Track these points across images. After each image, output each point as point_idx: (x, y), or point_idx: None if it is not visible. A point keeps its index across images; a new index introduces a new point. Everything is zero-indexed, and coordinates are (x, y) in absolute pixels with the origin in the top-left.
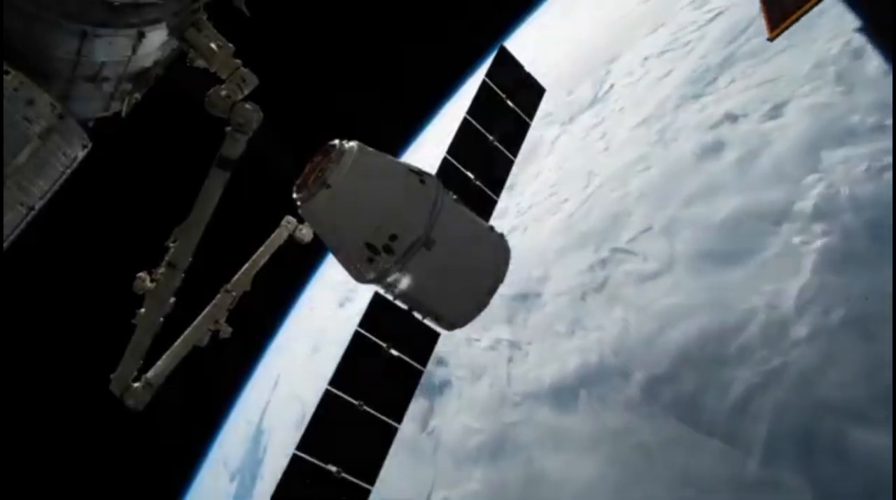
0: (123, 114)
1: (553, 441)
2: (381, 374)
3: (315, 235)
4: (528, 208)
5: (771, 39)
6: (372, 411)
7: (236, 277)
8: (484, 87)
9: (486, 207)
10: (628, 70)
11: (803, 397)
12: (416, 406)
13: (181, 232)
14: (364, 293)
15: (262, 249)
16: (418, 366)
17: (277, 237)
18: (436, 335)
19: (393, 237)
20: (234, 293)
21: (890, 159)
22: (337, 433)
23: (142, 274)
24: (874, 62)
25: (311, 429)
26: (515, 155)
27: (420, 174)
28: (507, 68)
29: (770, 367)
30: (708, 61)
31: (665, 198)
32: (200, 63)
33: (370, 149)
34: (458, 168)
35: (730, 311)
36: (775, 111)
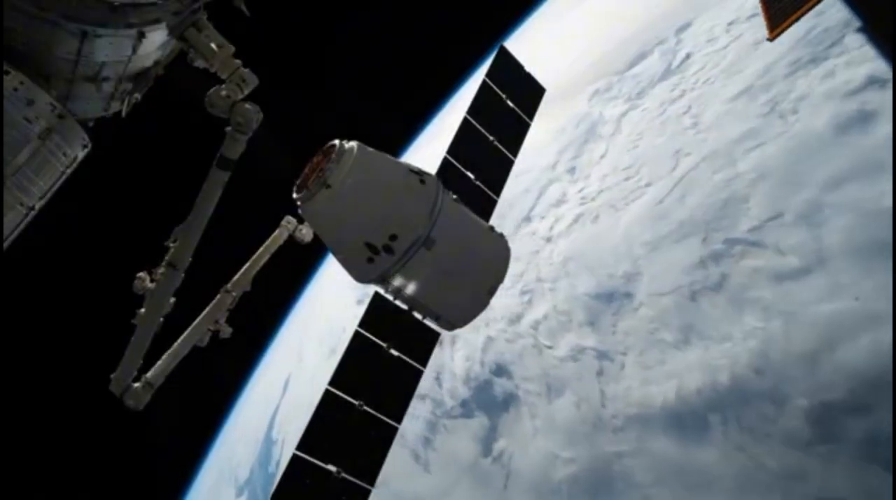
0: (123, 114)
1: (680, 481)
2: (381, 374)
3: (315, 235)
4: (596, 194)
5: (771, 39)
6: (372, 412)
7: (236, 277)
8: (484, 87)
9: (486, 207)
10: (708, 37)
11: None
12: (473, 424)
13: (181, 232)
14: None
15: (262, 249)
16: (418, 366)
17: (277, 237)
18: (436, 335)
19: (393, 237)
20: (234, 293)
21: None
22: (337, 433)
23: (142, 274)
24: None
25: (311, 429)
26: (515, 155)
27: (420, 174)
28: (507, 68)
29: None
30: (825, 20)
31: (796, 180)
32: (200, 63)
33: (370, 149)
34: (458, 168)
35: None
36: None
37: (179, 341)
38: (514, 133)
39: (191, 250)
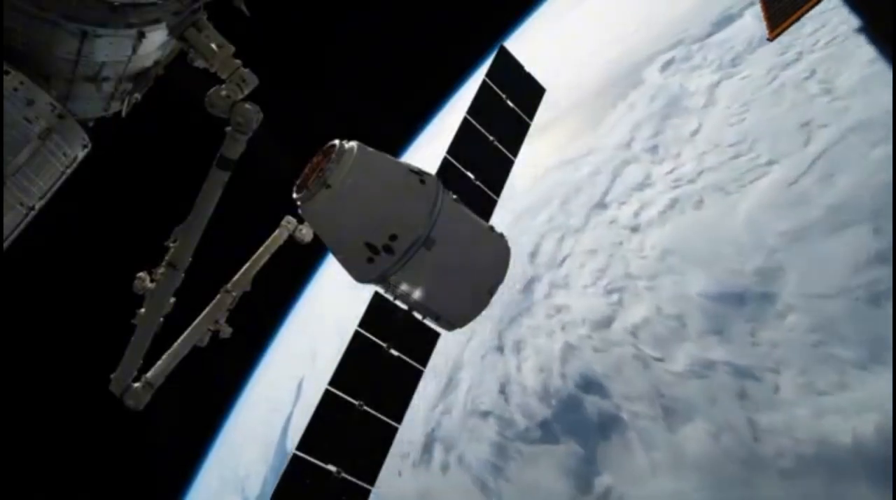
0: (123, 114)
1: None
2: (381, 374)
3: (315, 235)
4: (695, 176)
5: (771, 39)
6: (372, 412)
7: (236, 277)
8: (484, 87)
9: (486, 207)
10: None
11: None
12: (559, 452)
13: (181, 232)
14: None
15: (262, 249)
16: (418, 366)
17: (277, 237)
18: (436, 335)
19: (393, 237)
20: (234, 293)
21: None
22: (337, 433)
23: (142, 274)
24: None
25: (311, 429)
26: (515, 155)
27: (420, 174)
28: (507, 68)
29: None
30: None
31: None
32: (200, 63)
33: (370, 149)
34: (458, 168)
35: None
36: None
37: (179, 341)
38: (514, 133)
39: (191, 250)
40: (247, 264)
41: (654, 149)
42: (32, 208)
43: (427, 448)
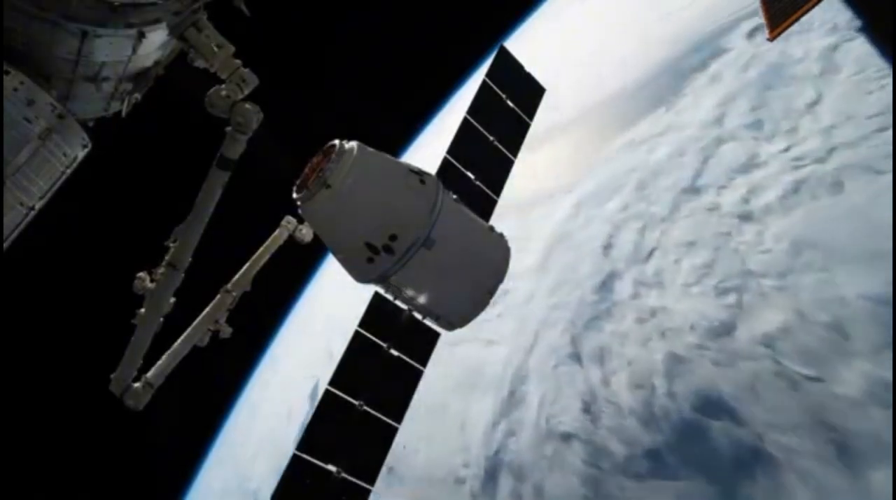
0: (123, 114)
1: None
2: (381, 374)
3: (315, 235)
4: (825, 153)
5: (771, 39)
6: (372, 412)
7: (236, 277)
8: (484, 87)
9: (486, 207)
10: None
11: None
12: (679, 489)
13: (181, 232)
14: None
15: (262, 249)
16: (418, 366)
17: (277, 237)
18: (436, 335)
19: (393, 237)
20: (234, 293)
21: None
22: (337, 433)
23: (142, 274)
24: None
25: (311, 429)
26: (515, 155)
27: (420, 174)
28: (507, 68)
29: None
30: None
31: None
32: (200, 63)
33: (370, 149)
34: (458, 168)
35: None
36: None
37: (179, 341)
38: (514, 133)
39: (191, 250)
40: (247, 264)
41: (756, 124)
42: (32, 208)
43: (491, 475)
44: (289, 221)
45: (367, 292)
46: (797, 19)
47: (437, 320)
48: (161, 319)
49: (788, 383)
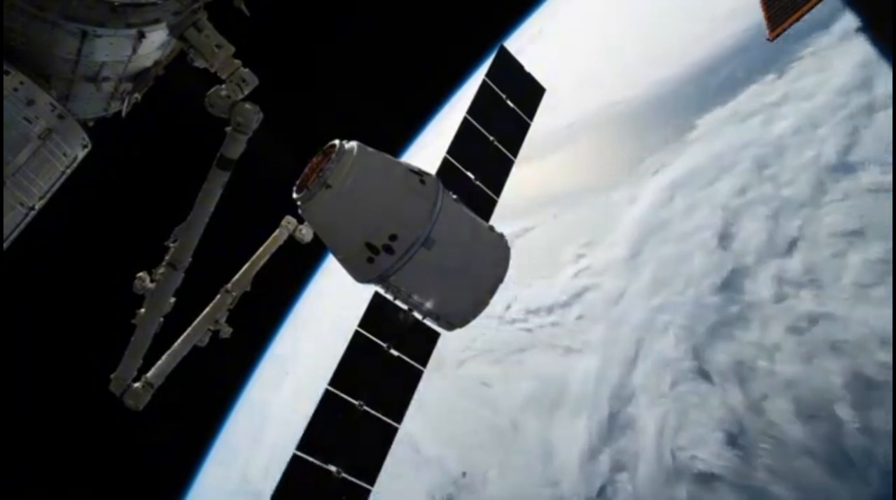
0: (123, 114)
1: None
2: (381, 374)
3: (315, 235)
4: None
5: (771, 39)
6: (372, 412)
7: (236, 277)
8: (484, 87)
9: (486, 207)
10: None
11: None
12: None
13: (181, 232)
14: None
15: (262, 249)
16: (418, 366)
17: (277, 237)
18: (436, 335)
19: (393, 237)
20: (234, 293)
21: None
22: (337, 433)
23: (142, 274)
24: None
25: (311, 429)
26: (515, 155)
27: (420, 174)
28: (507, 68)
29: None
30: None
31: None
32: (200, 63)
33: (370, 149)
34: (458, 168)
35: None
36: None
37: (179, 341)
38: (514, 133)
39: (191, 250)
40: (247, 264)
41: (844, 106)
42: (32, 208)
43: None
44: (289, 221)
45: (367, 292)
46: (798, 19)
47: (437, 320)
48: (161, 319)
49: None
